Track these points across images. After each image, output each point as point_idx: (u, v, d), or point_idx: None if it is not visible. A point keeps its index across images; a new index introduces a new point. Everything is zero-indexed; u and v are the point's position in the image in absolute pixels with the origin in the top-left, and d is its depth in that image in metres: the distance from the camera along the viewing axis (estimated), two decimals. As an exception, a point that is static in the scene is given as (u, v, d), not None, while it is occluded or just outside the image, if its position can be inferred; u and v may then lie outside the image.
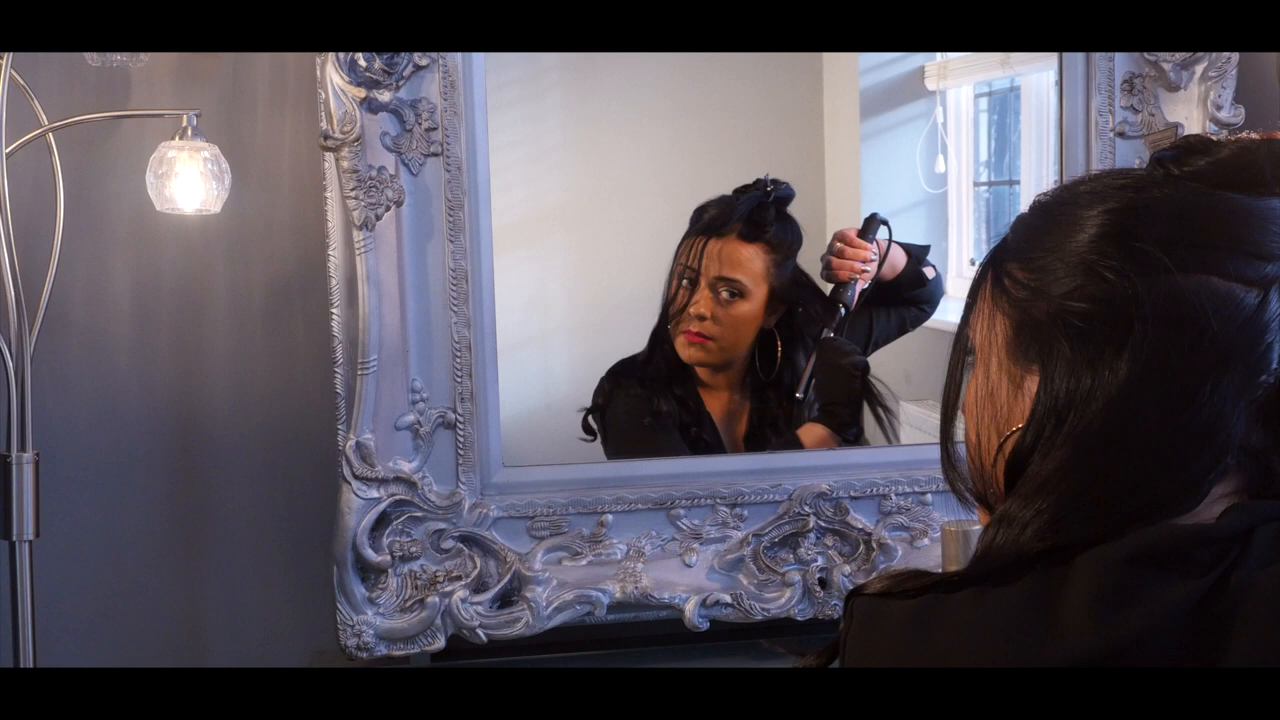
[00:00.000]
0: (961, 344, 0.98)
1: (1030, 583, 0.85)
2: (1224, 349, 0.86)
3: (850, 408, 2.10)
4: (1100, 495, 0.86)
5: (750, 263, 2.08)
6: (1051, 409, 0.89)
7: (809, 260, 2.13)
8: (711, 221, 2.08)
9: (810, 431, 2.08)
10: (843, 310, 2.10)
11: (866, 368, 2.11)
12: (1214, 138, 0.93)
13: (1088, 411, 0.87)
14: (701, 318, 2.08)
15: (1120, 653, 0.82)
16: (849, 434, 2.09)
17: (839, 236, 2.11)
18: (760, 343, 2.12)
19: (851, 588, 0.94)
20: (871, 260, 2.10)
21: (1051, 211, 0.93)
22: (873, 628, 0.89)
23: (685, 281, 2.08)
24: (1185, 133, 0.90)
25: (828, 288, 2.13)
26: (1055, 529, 0.86)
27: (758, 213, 2.07)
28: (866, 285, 2.11)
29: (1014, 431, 0.92)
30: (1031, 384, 0.91)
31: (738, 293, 2.08)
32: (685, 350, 2.10)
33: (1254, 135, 0.94)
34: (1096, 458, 0.86)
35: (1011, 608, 0.85)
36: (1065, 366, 0.88)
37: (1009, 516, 0.89)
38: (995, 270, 0.95)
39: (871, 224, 2.12)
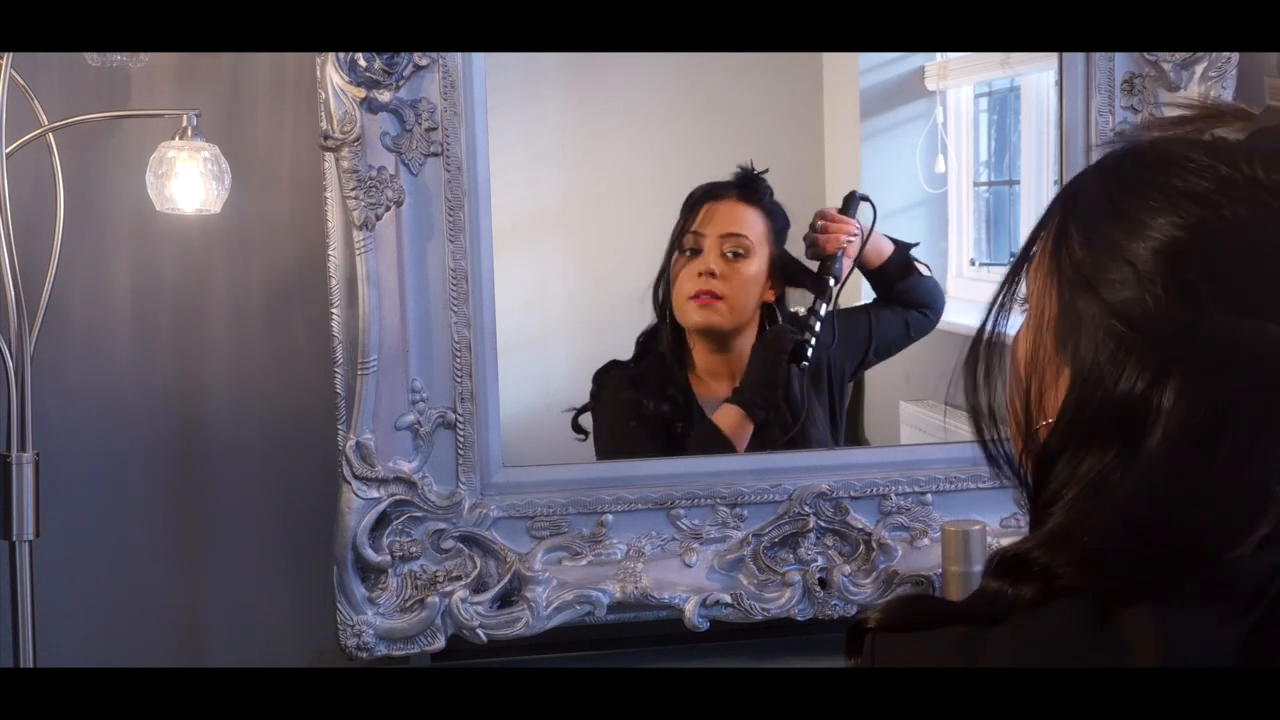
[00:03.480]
0: (1014, 280, 0.90)
1: (1085, 629, 0.81)
2: (1269, 402, 0.79)
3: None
4: (1141, 548, 0.81)
5: (753, 222, 2.09)
6: (1078, 424, 0.83)
7: (797, 236, 2.13)
8: (707, 190, 2.09)
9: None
10: (832, 282, 2.09)
11: (799, 350, 2.08)
12: None
13: (1118, 451, 0.81)
14: (711, 274, 2.07)
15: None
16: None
17: (820, 214, 2.11)
18: (759, 321, 2.11)
19: (852, 621, 0.88)
20: (855, 234, 2.10)
21: (1121, 195, 0.85)
22: (905, 663, 0.86)
23: (688, 251, 2.08)
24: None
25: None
26: (1089, 577, 0.81)
27: (752, 180, 2.09)
28: (853, 262, 2.10)
29: (1045, 424, 0.87)
30: (1065, 380, 0.85)
31: (743, 252, 2.08)
32: (694, 315, 2.09)
33: None
34: (1137, 514, 0.81)
35: (1074, 650, 0.81)
36: (1096, 384, 0.82)
37: (1033, 558, 0.83)
38: (1060, 226, 0.87)
39: (851, 200, 2.12)
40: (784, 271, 2.11)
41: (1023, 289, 0.91)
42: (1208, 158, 0.83)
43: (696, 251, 2.08)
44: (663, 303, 2.10)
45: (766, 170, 2.09)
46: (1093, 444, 0.83)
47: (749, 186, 2.09)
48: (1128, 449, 0.81)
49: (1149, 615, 0.80)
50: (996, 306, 0.91)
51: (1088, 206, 0.87)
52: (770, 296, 2.11)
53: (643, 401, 2.08)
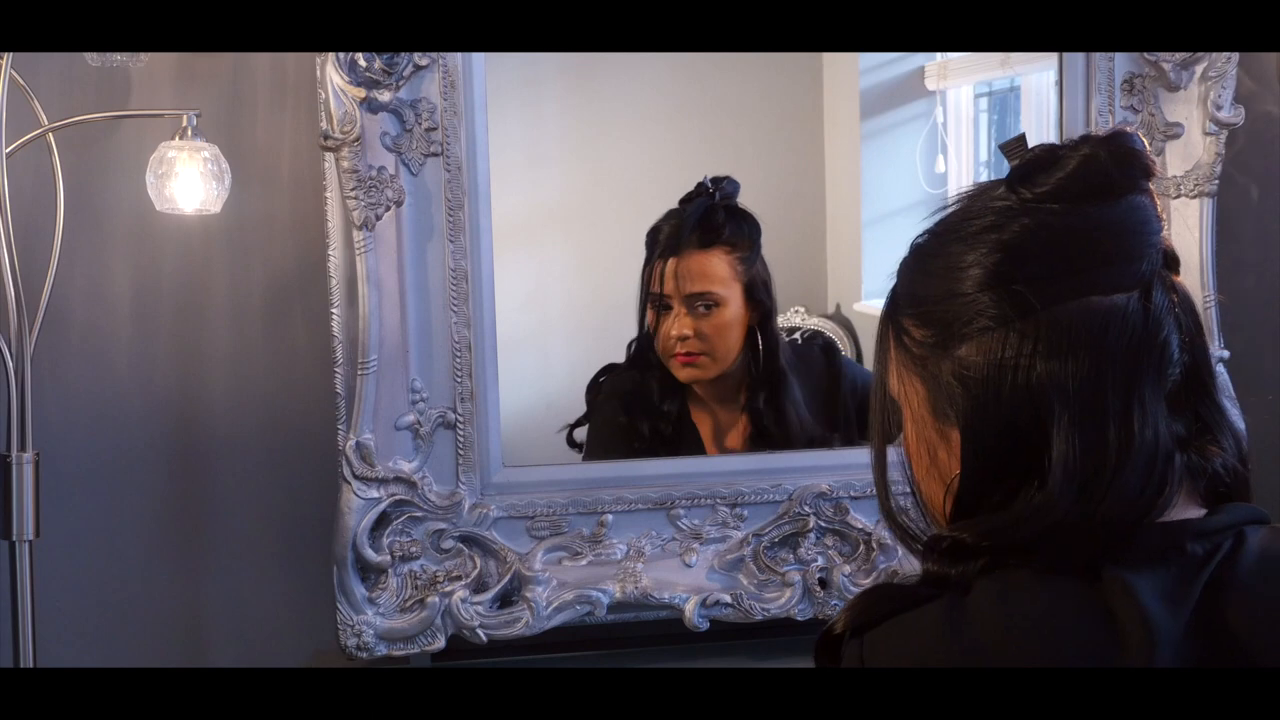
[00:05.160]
0: (883, 393, 1.00)
1: (1060, 583, 0.87)
2: (1130, 364, 0.88)
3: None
4: (1072, 529, 0.87)
5: (715, 270, 2.05)
6: (982, 460, 0.90)
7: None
8: (666, 242, 2.05)
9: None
10: None
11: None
12: (1060, 147, 0.93)
13: (1026, 455, 0.88)
14: (684, 337, 2.05)
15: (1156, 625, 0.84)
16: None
17: None
18: (750, 343, 2.09)
19: (821, 634, 0.94)
20: None
21: (929, 262, 0.95)
22: (893, 647, 0.90)
23: (659, 307, 2.05)
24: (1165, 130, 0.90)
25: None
26: (1022, 556, 0.88)
27: (707, 218, 2.04)
28: None
29: (954, 478, 0.93)
30: (956, 438, 0.92)
31: (713, 303, 2.06)
32: (680, 373, 2.08)
33: (1096, 133, 0.94)
34: (1067, 497, 0.87)
35: (1056, 602, 0.87)
36: (981, 421, 0.90)
37: (965, 541, 0.90)
38: (894, 326, 0.97)
39: None
40: (764, 292, 2.08)
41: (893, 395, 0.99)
42: (981, 204, 0.94)
43: (667, 308, 2.05)
44: (646, 349, 2.08)
45: (717, 187, 2.04)
46: (1001, 467, 0.90)
47: (706, 227, 2.04)
48: (1035, 451, 0.88)
49: (1120, 579, 0.86)
50: (879, 433, 1.02)
51: (907, 294, 0.96)
52: (753, 320, 2.09)
53: (634, 428, 2.07)
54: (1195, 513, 0.91)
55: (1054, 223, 0.91)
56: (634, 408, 2.07)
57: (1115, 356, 0.88)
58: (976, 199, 0.95)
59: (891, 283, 0.99)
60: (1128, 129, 0.94)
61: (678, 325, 2.05)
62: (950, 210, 0.96)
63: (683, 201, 2.06)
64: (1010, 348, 0.89)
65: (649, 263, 2.06)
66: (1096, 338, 0.88)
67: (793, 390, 2.09)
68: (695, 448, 2.09)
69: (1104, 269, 0.89)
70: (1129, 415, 0.87)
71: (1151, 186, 0.93)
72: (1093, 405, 0.87)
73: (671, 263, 2.05)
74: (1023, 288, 0.89)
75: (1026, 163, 0.93)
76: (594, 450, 2.08)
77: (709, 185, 2.05)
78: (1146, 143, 0.97)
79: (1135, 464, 0.87)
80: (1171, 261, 0.93)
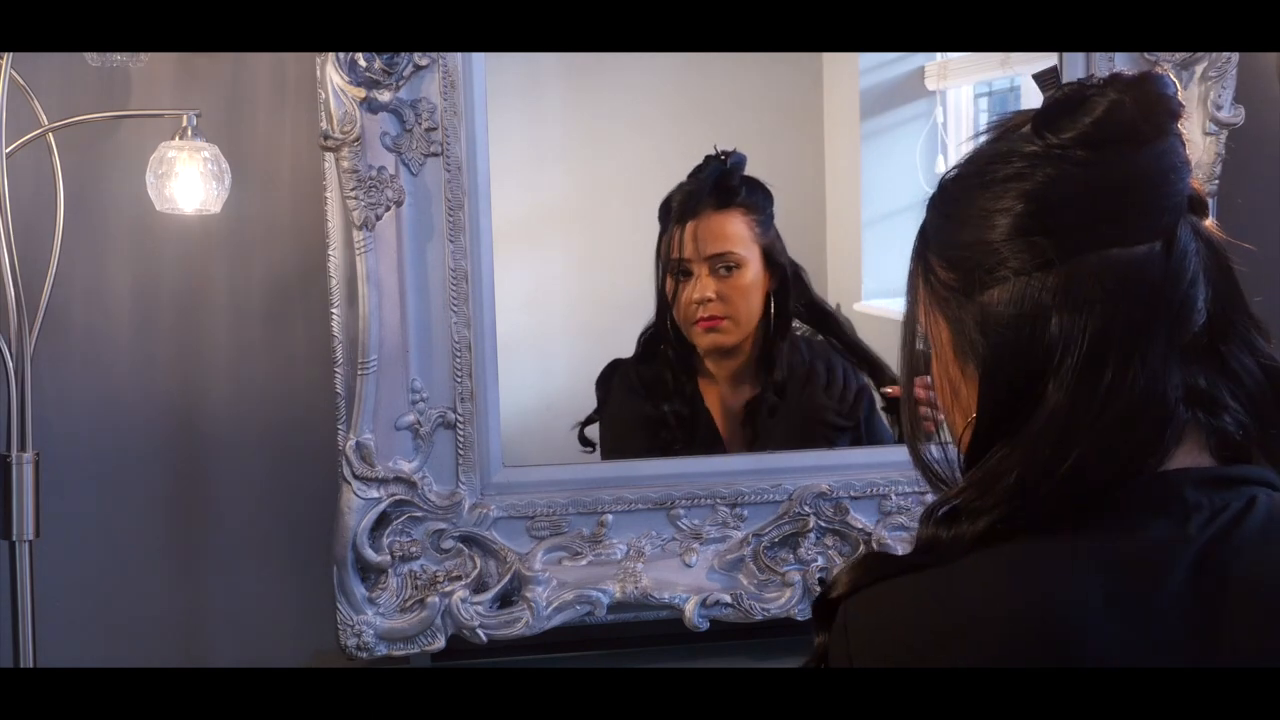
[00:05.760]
0: (911, 329, 1.00)
1: (1049, 540, 0.88)
2: (1142, 317, 0.88)
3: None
4: (1056, 482, 0.88)
5: (734, 230, 2.06)
6: (994, 404, 0.91)
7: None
8: (682, 206, 2.05)
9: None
10: None
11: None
12: (1087, 88, 0.92)
13: (1030, 405, 0.89)
14: (706, 300, 2.05)
15: (1127, 576, 0.85)
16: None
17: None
18: (767, 313, 2.09)
19: (817, 597, 0.96)
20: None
21: (955, 205, 0.95)
22: (880, 611, 0.90)
23: (679, 275, 2.06)
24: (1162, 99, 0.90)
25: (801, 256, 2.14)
26: (1021, 514, 0.88)
27: (723, 180, 2.05)
28: None
29: (971, 420, 0.94)
30: (975, 380, 0.93)
31: (734, 264, 2.06)
32: (703, 339, 2.07)
33: (1126, 73, 0.93)
34: (1046, 448, 0.88)
35: (1041, 558, 0.88)
36: (999, 366, 0.91)
37: (961, 505, 0.91)
38: (923, 263, 0.97)
39: None
40: (781, 259, 2.08)
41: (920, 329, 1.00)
42: (1009, 145, 0.94)
43: (687, 274, 2.06)
44: (664, 321, 2.08)
45: (728, 155, 2.05)
46: (1011, 413, 0.90)
47: (722, 188, 2.05)
48: (1036, 401, 0.89)
49: (1077, 544, 0.87)
50: (907, 365, 1.02)
51: (935, 234, 0.97)
52: (771, 286, 2.09)
53: (650, 414, 2.07)
54: (1203, 464, 0.91)
55: (1077, 174, 0.90)
56: (650, 394, 2.07)
57: (1127, 309, 0.88)
58: (1004, 137, 0.95)
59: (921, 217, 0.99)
60: (1158, 70, 0.94)
61: (699, 288, 2.05)
62: (978, 148, 0.96)
63: (692, 175, 2.07)
64: (1029, 300, 0.89)
65: (665, 231, 2.06)
66: (1111, 291, 0.88)
67: (812, 371, 2.09)
68: (710, 431, 2.09)
69: (1126, 220, 0.89)
70: (1127, 367, 0.87)
71: (1180, 128, 0.92)
72: (1093, 358, 0.87)
73: (690, 225, 2.05)
74: (1043, 240, 0.89)
75: (1053, 105, 0.93)
76: (610, 442, 2.08)
77: (719, 154, 2.05)
78: (1178, 85, 0.96)
79: (1123, 416, 0.87)
80: (1199, 206, 0.92)
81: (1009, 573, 0.88)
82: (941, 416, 1.01)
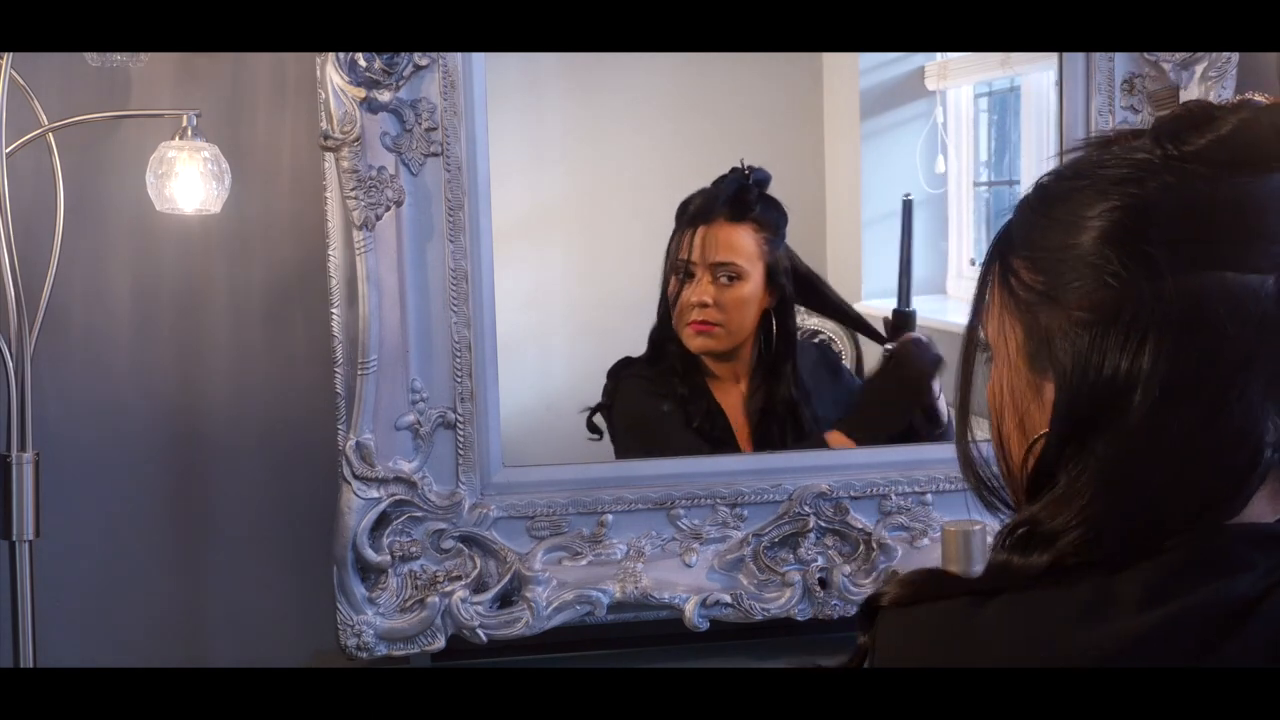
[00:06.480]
0: (973, 339, 0.93)
1: (1080, 590, 0.81)
2: (1245, 349, 0.81)
3: (880, 425, 2.11)
4: (1137, 507, 0.82)
5: (742, 243, 2.08)
6: (1073, 421, 0.84)
7: (805, 243, 2.13)
8: (697, 211, 2.08)
9: (832, 440, 2.09)
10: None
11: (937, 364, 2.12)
12: (1216, 107, 0.87)
13: (1112, 426, 0.82)
14: (703, 305, 2.07)
15: (1167, 637, 0.78)
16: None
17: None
18: (764, 326, 2.11)
19: (867, 597, 0.90)
20: None
21: (1054, 207, 0.88)
22: (905, 633, 0.87)
23: (682, 275, 2.08)
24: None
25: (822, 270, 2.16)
26: (1093, 543, 0.82)
27: (741, 194, 2.08)
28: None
29: (1040, 437, 0.87)
30: (1050, 392, 0.86)
31: (735, 275, 2.08)
32: (693, 341, 2.09)
33: (1259, 98, 0.88)
34: (1129, 472, 0.82)
35: (1064, 609, 0.81)
36: (1081, 379, 0.83)
37: (1038, 526, 0.84)
38: (1002, 264, 0.90)
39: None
40: (784, 278, 2.10)
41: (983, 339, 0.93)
42: (1121, 152, 0.87)
43: (690, 276, 2.08)
44: (665, 321, 2.09)
45: (752, 171, 2.08)
46: (1088, 432, 0.83)
47: (738, 201, 2.07)
48: (1118, 424, 0.82)
49: (1139, 582, 0.80)
50: (965, 374, 0.94)
51: (1023, 235, 0.90)
52: (771, 304, 2.11)
53: (662, 394, 2.09)
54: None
55: (1198, 187, 0.83)
56: (659, 392, 2.09)
57: (1232, 339, 0.80)
58: (1114, 145, 0.88)
59: (1007, 218, 0.92)
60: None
61: (698, 292, 2.07)
62: (1082, 154, 0.90)
63: (715, 183, 2.09)
64: (1127, 311, 0.82)
65: (677, 232, 2.09)
66: (1219, 316, 0.80)
67: (800, 381, 2.10)
68: (724, 431, 2.10)
69: (1242, 245, 0.82)
70: (1221, 403, 0.80)
71: None
72: (1185, 386, 0.81)
73: (701, 230, 2.08)
74: (1152, 249, 0.82)
75: (1178, 117, 0.87)
76: (625, 440, 2.08)
77: (744, 168, 2.08)
78: None
79: (1204, 456, 0.81)
80: None
81: (1034, 619, 0.82)
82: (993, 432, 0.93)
